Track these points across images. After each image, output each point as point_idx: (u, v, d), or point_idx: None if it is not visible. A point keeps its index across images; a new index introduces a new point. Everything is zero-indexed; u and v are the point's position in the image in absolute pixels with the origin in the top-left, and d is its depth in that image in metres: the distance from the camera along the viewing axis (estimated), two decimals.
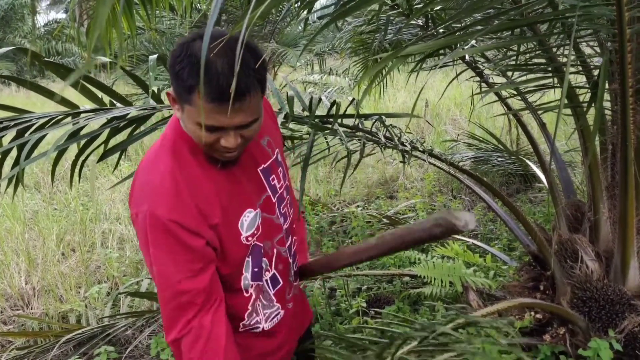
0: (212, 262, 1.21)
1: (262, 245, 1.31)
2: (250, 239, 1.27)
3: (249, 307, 1.34)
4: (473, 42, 2.52)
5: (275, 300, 1.39)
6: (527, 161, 3.88)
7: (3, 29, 19.23)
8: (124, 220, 4.37)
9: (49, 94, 1.81)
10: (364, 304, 2.71)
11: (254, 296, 1.33)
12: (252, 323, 1.37)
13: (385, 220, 3.86)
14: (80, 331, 2.79)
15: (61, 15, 31.50)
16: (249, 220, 1.26)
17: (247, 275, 1.30)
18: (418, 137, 4.41)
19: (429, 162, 2.45)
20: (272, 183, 1.35)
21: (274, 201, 1.34)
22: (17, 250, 3.71)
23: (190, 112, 1.08)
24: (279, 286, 1.39)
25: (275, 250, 1.35)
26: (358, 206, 4.30)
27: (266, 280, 1.35)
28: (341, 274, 2.94)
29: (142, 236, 1.18)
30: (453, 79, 2.86)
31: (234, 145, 1.12)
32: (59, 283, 3.36)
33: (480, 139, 4.61)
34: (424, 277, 2.74)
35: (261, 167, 1.33)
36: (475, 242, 3.34)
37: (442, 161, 2.44)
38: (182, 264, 1.16)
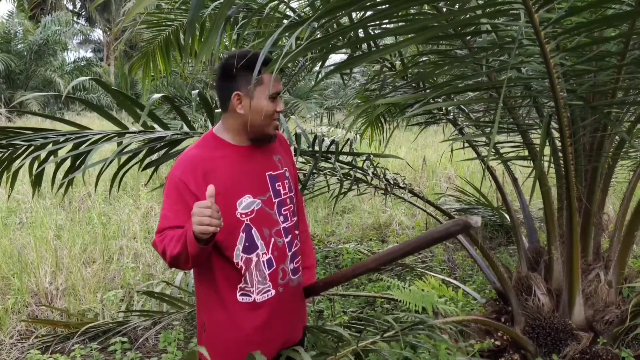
0: None
1: (253, 227, 1.74)
2: (243, 216, 1.72)
3: (242, 277, 1.75)
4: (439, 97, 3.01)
5: (268, 279, 1.79)
6: (504, 214, 4.30)
7: (36, 62, 20.18)
8: (140, 238, 4.81)
9: (114, 120, 2.30)
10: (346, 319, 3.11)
11: (244, 268, 1.74)
12: (245, 289, 1.76)
13: None
14: (96, 324, 3.17)
15: (89, 54, 32.95)
16: (246, 203, 1.73)
17: (239, 247, 1.73)
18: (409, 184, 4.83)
19: (418, 207, 2.90)
20: (277, 188, 1.82)
21: (274, 201, 1.80)
22: (46, 255, 4.13)
23: (260, 92, 1.66)
24: (273, 269, 1.80)
25: (272, 240, 1.78)
26: (351, 244, 4.72)
27: (263, 262, 1.76)
28: (328, 294, 3.34)
29: (165, 189, 1.73)
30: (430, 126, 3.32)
31: (283, 107, 1.71)
32: (80, 286, 3.77)
33: (468, 193, 5.05)
34: (402, 304, 3.14)
35: (269, 173, 1.81)
36: (452, 280, 3.74)
37: (420, 198, 2.89)
38: (178, 214, 1.66)
